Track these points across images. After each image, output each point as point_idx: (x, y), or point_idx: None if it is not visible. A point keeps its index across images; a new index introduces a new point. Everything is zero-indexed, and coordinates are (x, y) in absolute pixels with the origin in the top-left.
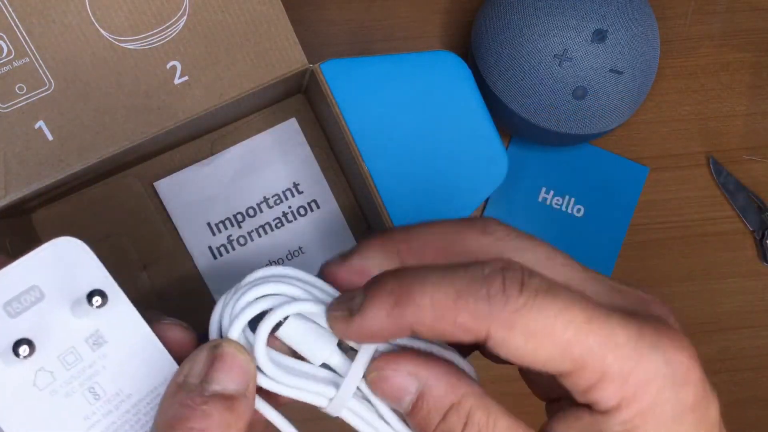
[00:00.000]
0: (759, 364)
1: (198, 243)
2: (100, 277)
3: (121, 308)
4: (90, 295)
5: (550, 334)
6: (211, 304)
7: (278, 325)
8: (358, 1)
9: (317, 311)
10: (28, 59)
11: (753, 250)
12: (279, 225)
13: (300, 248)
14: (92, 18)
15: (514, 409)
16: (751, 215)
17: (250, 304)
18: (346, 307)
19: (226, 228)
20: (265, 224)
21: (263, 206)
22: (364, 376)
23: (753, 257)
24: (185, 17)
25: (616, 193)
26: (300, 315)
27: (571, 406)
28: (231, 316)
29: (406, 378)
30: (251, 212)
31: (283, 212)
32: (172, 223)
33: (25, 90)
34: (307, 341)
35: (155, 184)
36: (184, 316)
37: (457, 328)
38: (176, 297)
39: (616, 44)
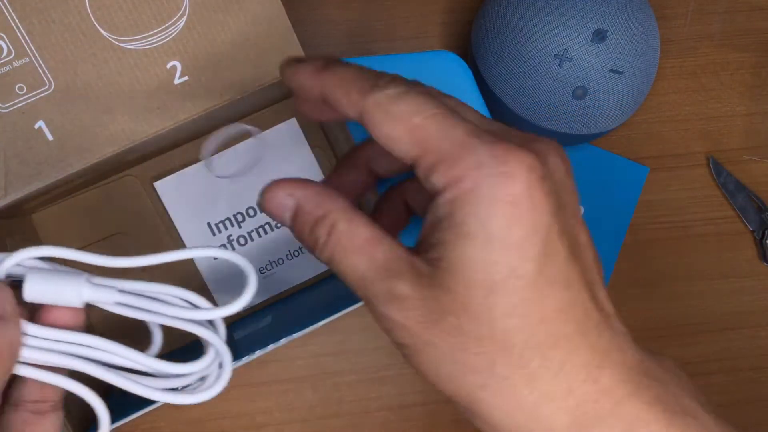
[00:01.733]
0: (759, 364)
1: (198, 243)
2: None
3: None
4: None
5: (403, 119)
6: (211, 304)
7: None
8: (358, 1)
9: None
10: (28, 59)
11: (753, 250)
12: (279, 225)
13: (300, 248)
14: (92, 18)
15: None
16: (751, 215)
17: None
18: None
19: (226, 228)
20: (265, 224)
21: None
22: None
23: (753, 257)
24: (185, 17)
25: (616, 193)
26: (38, 270)
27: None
28: None
29: (285, 198)
30: (251, 212)
31: None
32: (172, 223)
33: (25, 90)
34: (55, 286)
35: (155, 184)
36: None
37: (345, 96)
38: None
39: (616, 44)
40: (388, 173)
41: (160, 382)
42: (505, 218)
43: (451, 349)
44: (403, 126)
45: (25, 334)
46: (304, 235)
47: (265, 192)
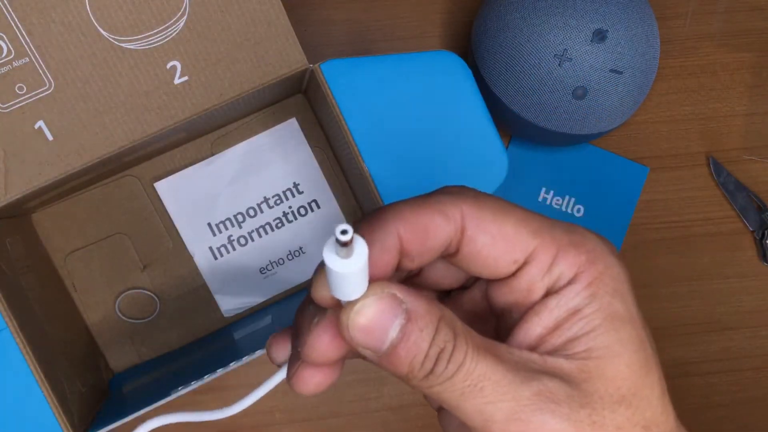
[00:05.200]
0: (759, 364)
1: (198, 243)
2: None
3: None
4: None
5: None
6: (211, 304)
7: None
8: (358, 1)
9: None
10: (28, 59)
11: (753, 250)
12: (279, 225)
13: (300, 248)
14: (92, 18)
15: None
16: (751, 215)
17: None
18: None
19: (226, 228)
20: (265, 224)
21: (263, 206)
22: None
23: (753, 257)
24: (185, 17)
25: (616, 193)
26: None
27: (535, 307)
28: None
29: (396, 306)
30: (251, 212)
31: (284, 212)
32: (172, 223)
33: (25, 90)
34: None
35: (155, 184)
36: (184, 316)
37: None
38: (176, 297)
39: (616, 44)
40: (447, 286)
41: None
42: (633, 296)
43: None
44: (516, 227)
45: None
46: (420, 349)
47: (366, 305)
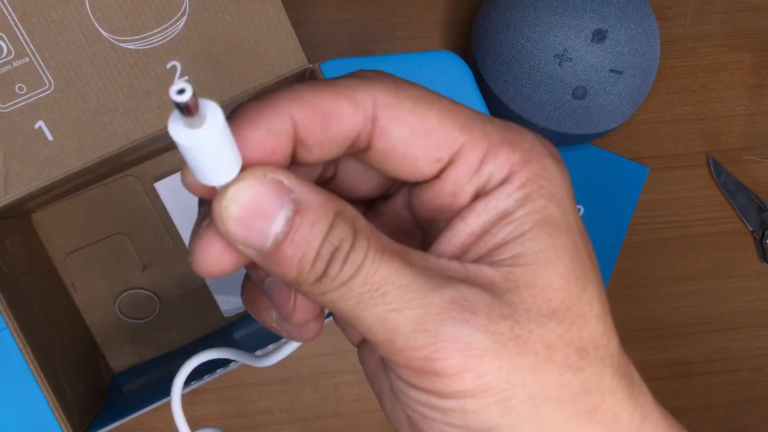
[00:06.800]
0: (759, 364)
1: None
2: None
3: None
4: None
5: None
6: (211, 304)
7: None
8: (358, 1)
9: None
10: (28, 59)
11: (753, 250)
12: None
13: None
14: (92, 18)
15: None
16: (751, 215)
17: None
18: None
19: None
20: None
21: None
22: None
23: (753, 257)
24: (185, 17)
25: (616, 193)
26: None
27: (461, 212)
28: None
29: (281, 192)
30: None
31: None
32: (172, 223)
33: (25, 90)
34: None
35: (155, 184)
36: (184, 316)
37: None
38: (176, 297)
39: (616, 44)
40: (366, 193)
41: None
42: (573, 204)
43: (547, 366)
44: (431, 117)
45: None
46: (311, 247)
47: (240, 189)
